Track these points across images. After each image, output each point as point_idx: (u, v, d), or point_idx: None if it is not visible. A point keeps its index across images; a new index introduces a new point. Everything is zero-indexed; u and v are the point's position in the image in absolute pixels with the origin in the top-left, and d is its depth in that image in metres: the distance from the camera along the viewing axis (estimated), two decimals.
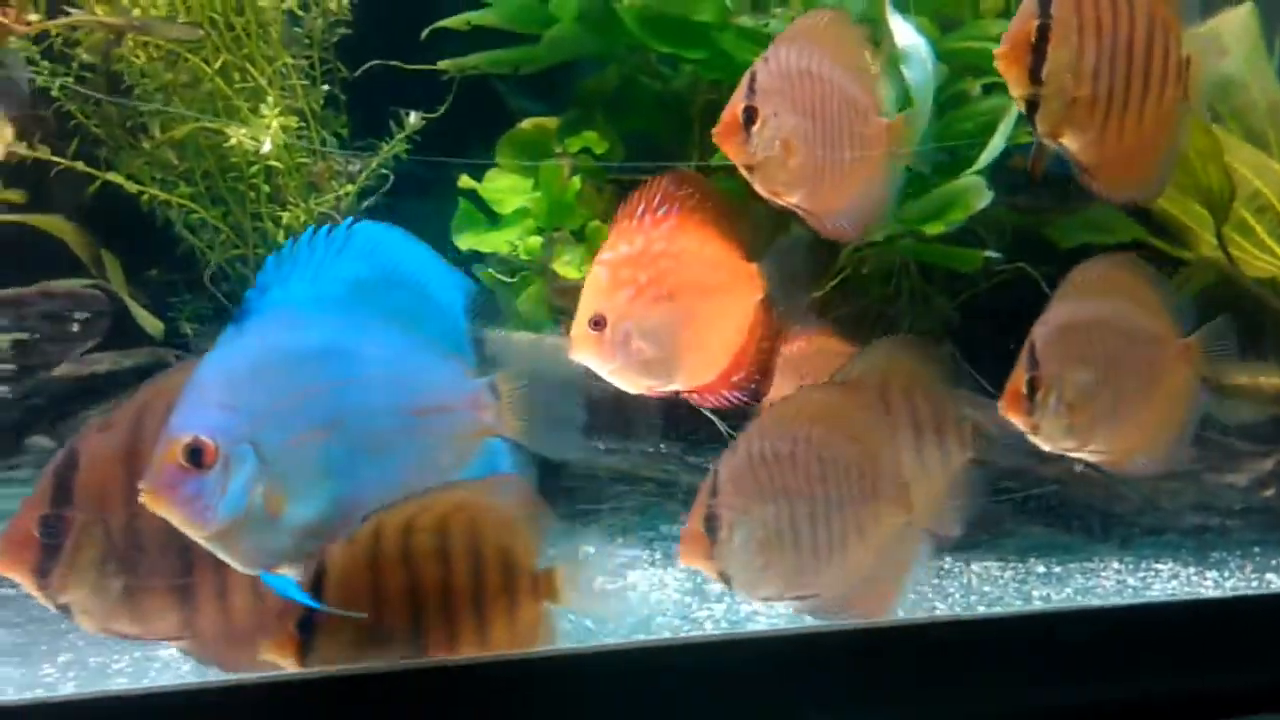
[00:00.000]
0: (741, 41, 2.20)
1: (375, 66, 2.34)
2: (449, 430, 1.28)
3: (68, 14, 2.01)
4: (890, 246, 2.30)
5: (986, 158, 2.16)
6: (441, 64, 2.41)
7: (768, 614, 1.72)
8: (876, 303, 2.39)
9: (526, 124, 2.31)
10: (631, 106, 2.50)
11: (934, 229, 2.21)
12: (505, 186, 2.22)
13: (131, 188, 2.05)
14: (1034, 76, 1.38)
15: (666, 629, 1.72)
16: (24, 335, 1.75)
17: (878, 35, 2.13)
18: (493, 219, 2.23)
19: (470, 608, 1.28)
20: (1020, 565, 2.02)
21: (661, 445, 2.13)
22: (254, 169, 2.12)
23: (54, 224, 2.01)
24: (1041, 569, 2.02)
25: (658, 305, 1.39)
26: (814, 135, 1.41)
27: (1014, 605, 1.78)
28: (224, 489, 1.13)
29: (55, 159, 1.97)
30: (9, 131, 1.83)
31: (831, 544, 1.36)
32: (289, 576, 1.20)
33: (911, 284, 2.42)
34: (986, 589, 1.89)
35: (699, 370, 1.43)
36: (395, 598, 1.23)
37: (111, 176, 2.04)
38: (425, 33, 2.32)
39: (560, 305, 2.16)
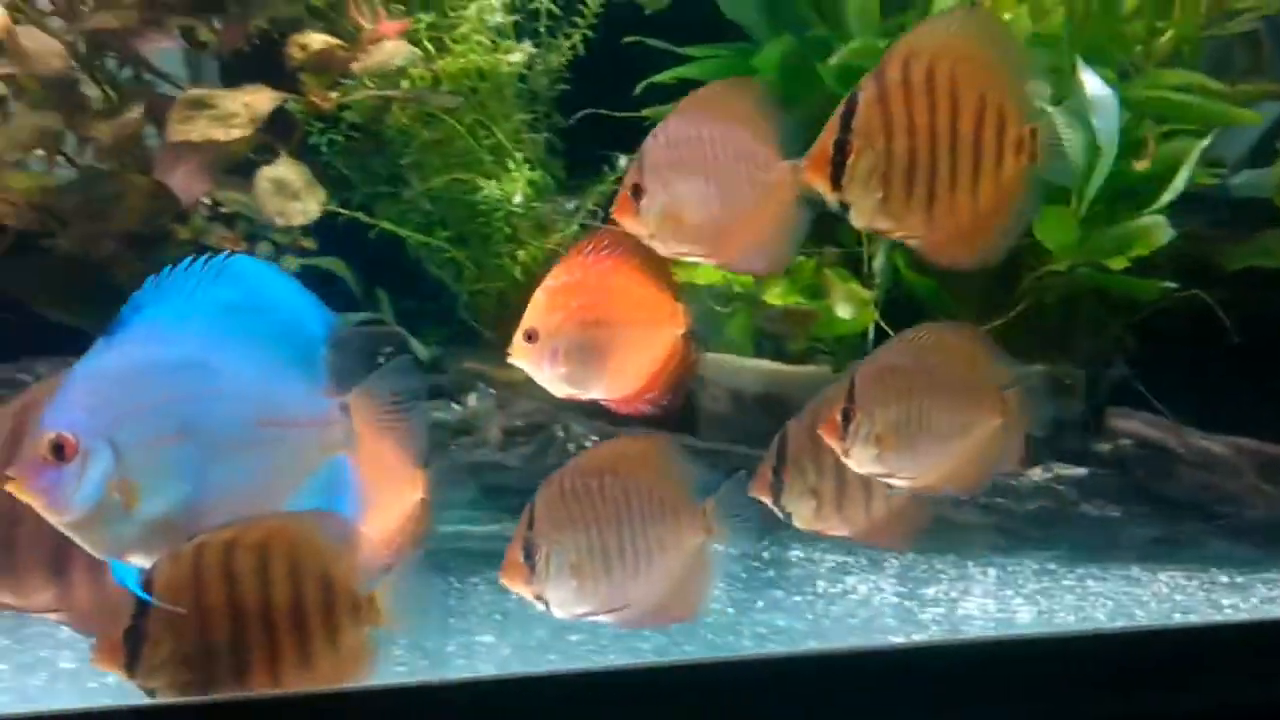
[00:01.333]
0: None
1: (586, 115, 2.64)
2: (296, 444, 1.36)
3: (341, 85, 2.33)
4: (1072, 276, 2.47)
5: (1168, 197, 2.32)
6: (645, 111, 2.68)
7: (981, 616, 1.93)
8: (1056, 328, 2.57)
9: None
10: None
11: (1117, 263, 2.38)
12: None
13: (401, 232, 2.38)
14: (836, 184, 1.47)
15: (888, 631, 1.95)
16: None
17: (1067, 87, 2.32)
18: None
19: (291, 629, 1.33)
20: (1203, 575, 2.18)
21: None
22: (499, 214, 2.43)
23: (337, 265, 2.36)
24: (1224, 579, 2.17)
25: (583, 329, 1.58)
26: (708, 194, 1.53)
27: (1205, 613, 1.94)
28: (81, 480, 1.23)
29: (344, 211, 2.31)
30: (323, 192, 2.15)
31: (638, 563, 1.51)
32: (135, 567, 1.29)
33: (1089, 310, 2.59)
34: (1178, 598, 2.06)
35: (615, 386, 1.61)
36: (218, 615, 1.30)
37: (385, 224, 2.36)
38: (640, 87, 2.61)
39: (769, 330, 2.41)
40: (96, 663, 1.31)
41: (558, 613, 1.51)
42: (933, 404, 1.60)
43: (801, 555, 2.31)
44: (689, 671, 1.40)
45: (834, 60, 2.39)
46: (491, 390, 2.26)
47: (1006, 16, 2.36)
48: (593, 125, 2.67)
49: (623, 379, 1.61)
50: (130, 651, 1.29)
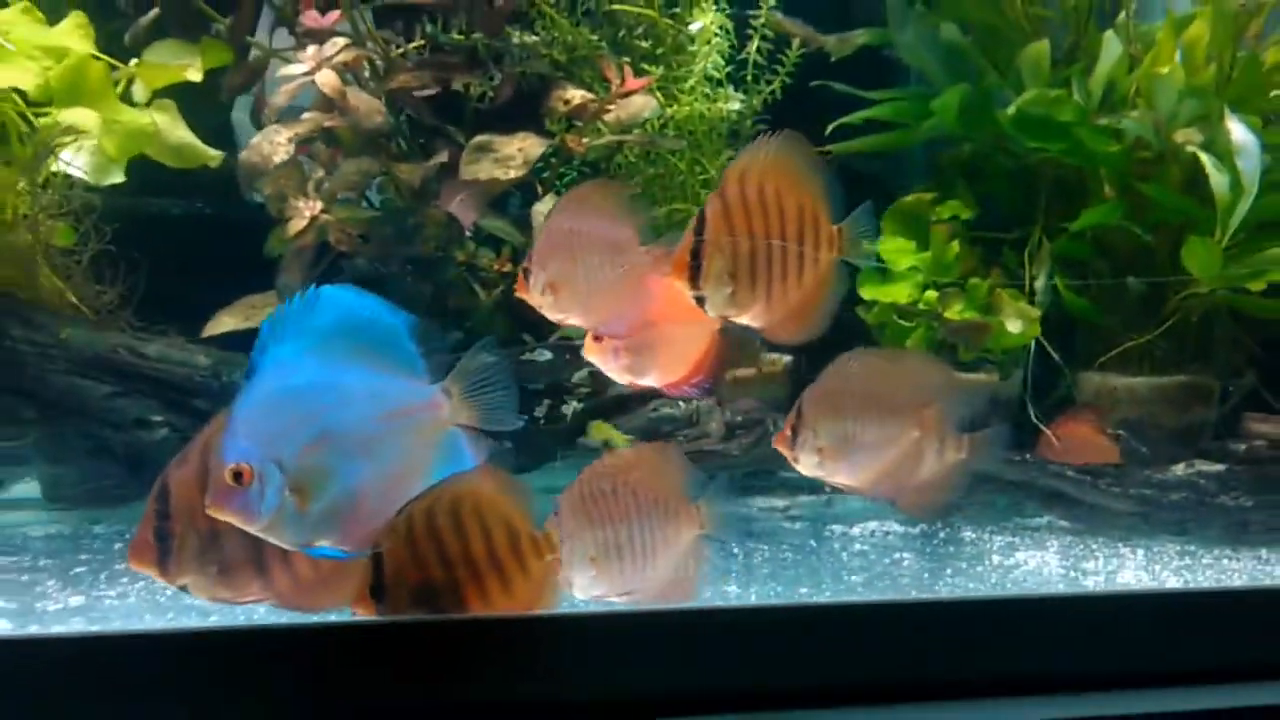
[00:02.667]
0: (1095, 135, 2.76)
1: None
2: (415, 427, 1.62)
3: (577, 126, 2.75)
4: (1211, 297, 2.81)
5: None
6: (830, 147, 3.06)
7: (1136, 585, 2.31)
8: (1196, 343, 2.92)
9: (910, 197, 2.94)
10: (986, 178, 3.09)
11: (1256, 285, 2.71)
12: (895, 248, 2.85)
13: None
14: (695, 282, 1.78)
15: None
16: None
17: (1217, 133, 2.66)
18: (885, 274, 2.86)
19: (489, 565, 1.63)
20: None
21: (1027, 455, 2.74)
22: None
23: None
24: None
25: (640, 329, 1.94)
26: (575, 273, 1.88)
27: None
28: (262, 496, 1.50)
29: None
30: None
31: (645, 555, 1.82)
32: (325, 547, 1.57)
33: (1225, 327, 2.93)
34: None
35: (667, 374, 1.98)
36: (433, 565, 1.61)
37: None
38: (831, 127, 2.99)
39: (947, 340, 2.79)
40: (354, 606, 1.63)
41: (578, 594, 1.79)
42: (863, 421, 1.94)
43: (973, 535, 2.71)
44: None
45: (1011, 109, 2.75)
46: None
47: (1164, 71, 2.71)
48: None
49: (671, 368, 1.97)
50: (376, 596, 1.63)
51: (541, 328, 2.72)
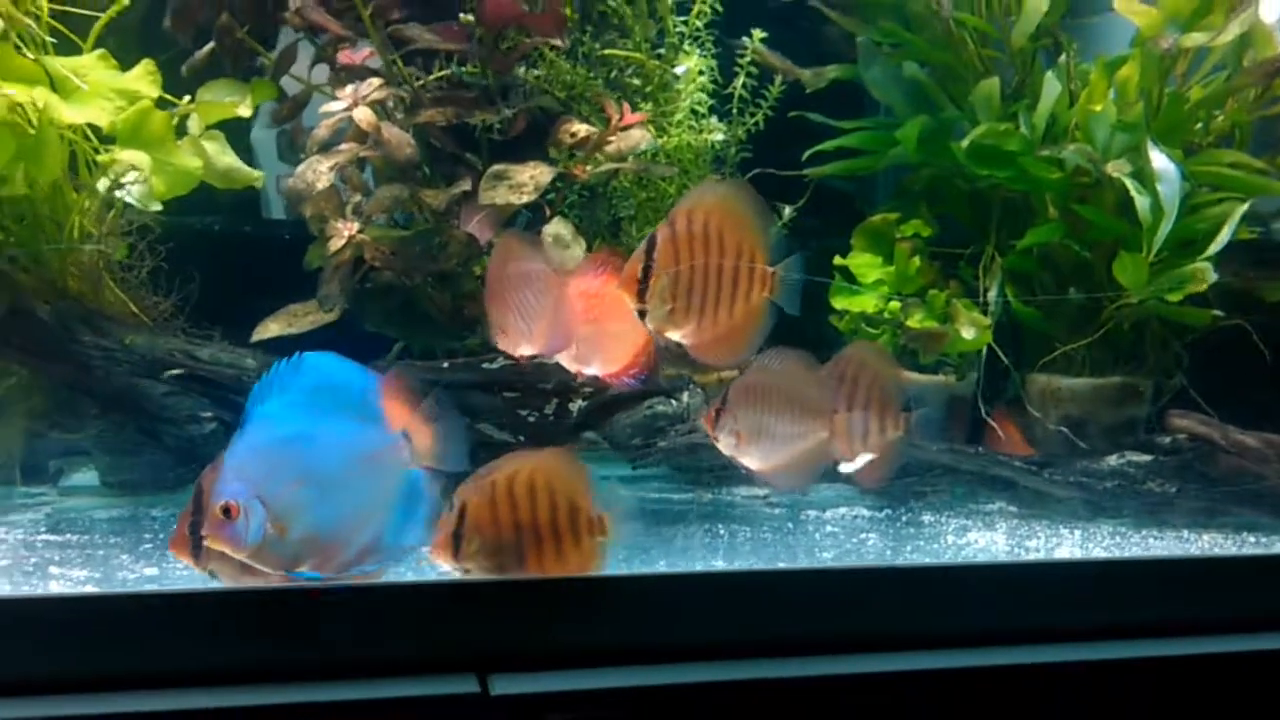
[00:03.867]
0: (1039, 164, 3.11)
1: (758, 174, 3.37)
2: (380, 468, 1.93)
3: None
4: (1142, 306, 3.17)
5: (1214, 248, 3.01)
6: (806, 172, 3.41)
7: None
8: (1129, 347, 3.28)
9: (876, 217, 3.29)
10: (944, 200, 3.44)
11: (1175, 296, 3.07)
12: (864, 263, 3.20)
13: None
14: (640, 298, 2.02)
15: None
16: None
17: (1139, 161, 3.02)
18: (855, 286, 3.21)
19: (550, 535, 1.93)
20: (1237, 536, 2.89)
21: (979, 448, 3.10)
22: None
23: None
24: (1251, 539, 2.87)
25: (586, 326, 2.24)
26: (510, 315, 2.22)
27: None
28: (248, 528, 1.79)
29: None
30: (584, 242, 2.90)
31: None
32: (304, 571, 1.85)
33: (1155, 333, 3.29)
34: (1216, 551, 2.78)
35: (609, 364, 2.29)
36: (505, 525, 1.91)
37: None
38: (807, 154, 3.34)
39: (908, 346, 3.14)
40: (434, 556, 1.94)
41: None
42: (776, 415, 2.20)
43: (932, 519, 3.06)
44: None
45: (965, 141, 3.10)
46: (700, 389, 3.03)
47: (1098, 108, 3.07)
48: (763, 182, 3.41)
49: (614, 359, 2.25)
50: (454, 544, 1.93)
51: None
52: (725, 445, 2.23)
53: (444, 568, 1.97)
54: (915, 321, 3.05)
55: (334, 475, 1.88)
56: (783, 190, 3.35)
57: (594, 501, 1.97)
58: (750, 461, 2.25)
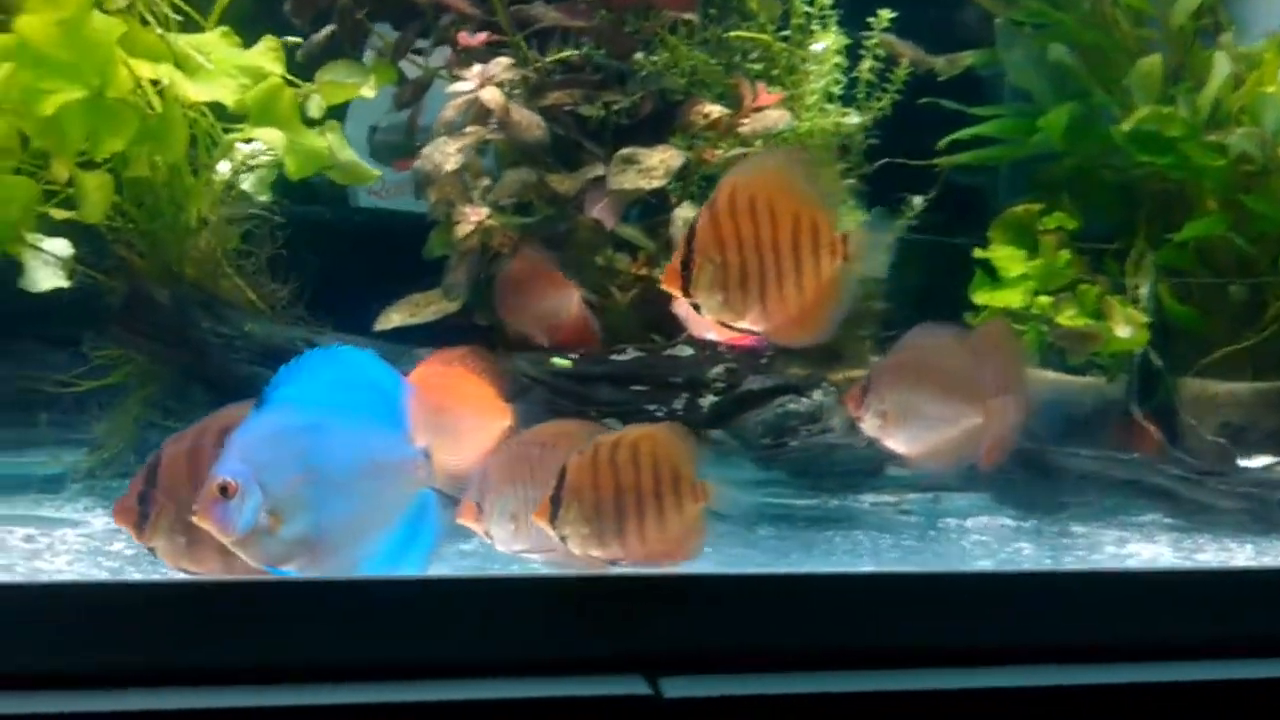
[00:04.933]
0: (1203, 150, 2.91)
1: (886, 163, 3.20)
2: (390, 481, 1.78)
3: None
4: None
5: None
6: (937, 161, 3.24)
7: None
8: None
9: (1018, 208, 3.10)
10: (1089, 191, 3.24)
11: None
12: (1006, 256, 3.02)
13: None
14: (687, 291, 1.86)
15: None
16: (734, 364, 2.73)
17: None
18: (996, 281, 3.03)
19: (653, 501, 1.88)
20: None
21: (1135, 455, 2.89)
22: None
23: None
24: None
25: None
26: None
27: None
28: (241, 511, 1.65)
29: None
30: None
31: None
32: (288, 570, 1.71)
33: None
34: None
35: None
36: (608, 490, 1.87)
37: None
38: (944, 142, 3.17)
39: (1056, 344, 2.95)
40: (536, 518, 1.90)
41: (501, 548, 1.99)
42: (927, 396, 2.08)
43: (1084, 530, 2.86)
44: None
45: (1126, 125, 2.91)
46: (833, 387, 2.86)
47: (1270, 89, 2.85)
48: (890, 172, 3.24)
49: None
50: (554, 506, 1.89)
51: (669, 327, 2.93)
52: (870, 427, 2.10)
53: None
54: (1067, 319, 2.85)
55: (341, 477, 1.75)
56: (907, 182, 3.19)
57: (696, 471, 1.91)
58: (896, 445, 2.11)
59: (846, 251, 1.89)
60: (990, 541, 2.69)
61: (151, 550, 1.80)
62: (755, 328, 1.95)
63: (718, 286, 1.87)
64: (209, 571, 1.80)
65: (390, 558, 1.81)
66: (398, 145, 3.08)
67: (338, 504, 1.75)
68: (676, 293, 1.90)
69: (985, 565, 2.48)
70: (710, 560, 2.50)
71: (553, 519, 1.88)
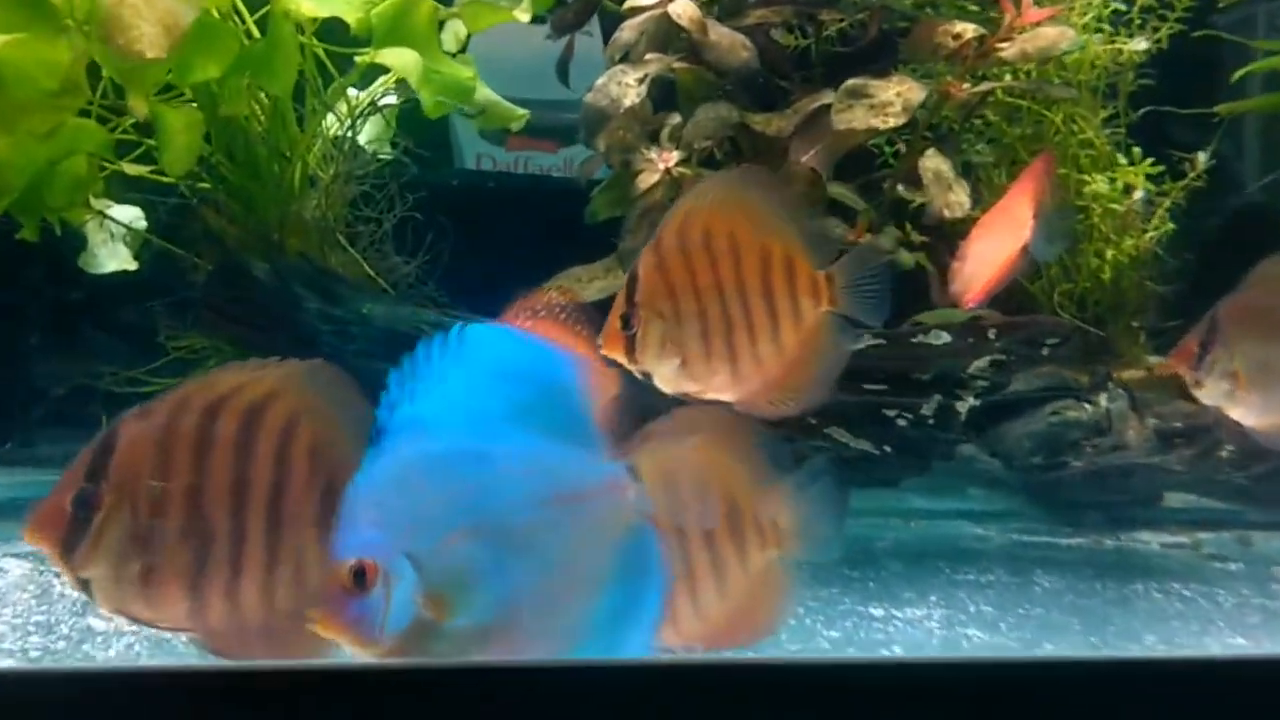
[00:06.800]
0: None
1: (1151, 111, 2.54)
2: (592, 517, 1.25)
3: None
4: None
5: None
6: (1218, 108, 2.57)
7: None
8: None
9: None
10: None
11: None
12: None
13: None
14: (632, 355, 1.45)
15: None
16: (1003, 356, 2.07)
17: None
18: None
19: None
20: None
21: None
22: (1098, 212, 2.36)
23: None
24: None
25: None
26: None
27: None
28: (389, 604, 1.13)
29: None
30: (967, 185, 2.13)
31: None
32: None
33: None
34: None
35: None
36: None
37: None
38: (1236, 76, 2.50)
39: None
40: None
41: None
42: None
43: None
44: None
45: None
46: (1123, 389, 2.18)
47: None
48: (1156, 121, 2.58)
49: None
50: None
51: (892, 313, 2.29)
52: (1212, 392, 1.61)
53: None
54: None
55: (522, 523, 1.19)
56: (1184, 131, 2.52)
57: (764, 500, 1.37)
58: (1250, 414, 1.62)
59: (831, 294, 1.52)
60: None
61: (82, 586, 1.19)
62: (729, 397, 1.54)
63: (672, 347, 1.48)
64: (169, 622, 1.22)
65: (607, 628, 1.24)
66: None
67: (517, 564, 1.19)
68: (620, 359, 1.47)
69: None
70: (1001, 626, 1.86)
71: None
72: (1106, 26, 2.40)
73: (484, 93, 2.29)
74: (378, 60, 2.02)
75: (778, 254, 1.50)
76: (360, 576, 1.11)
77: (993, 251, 1.82)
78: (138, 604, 1.21)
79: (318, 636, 1.13)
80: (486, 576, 1.17)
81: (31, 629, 1.76)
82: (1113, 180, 2.39)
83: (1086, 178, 2.36)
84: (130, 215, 2.28)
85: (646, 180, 2.02)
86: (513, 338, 1.26)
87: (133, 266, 2.28)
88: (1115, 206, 2.38)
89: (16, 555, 2.09)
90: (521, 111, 2.34)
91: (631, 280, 1.47)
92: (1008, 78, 2.35)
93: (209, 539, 1.19)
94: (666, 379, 1.49)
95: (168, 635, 1.35)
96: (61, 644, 1.69)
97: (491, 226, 2.52)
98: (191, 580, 1.20)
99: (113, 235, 2.26)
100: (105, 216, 2.24)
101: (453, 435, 1.18)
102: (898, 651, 1.77)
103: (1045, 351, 2.03)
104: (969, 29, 2.15)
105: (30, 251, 2.12)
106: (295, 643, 1.22)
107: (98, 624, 1.81)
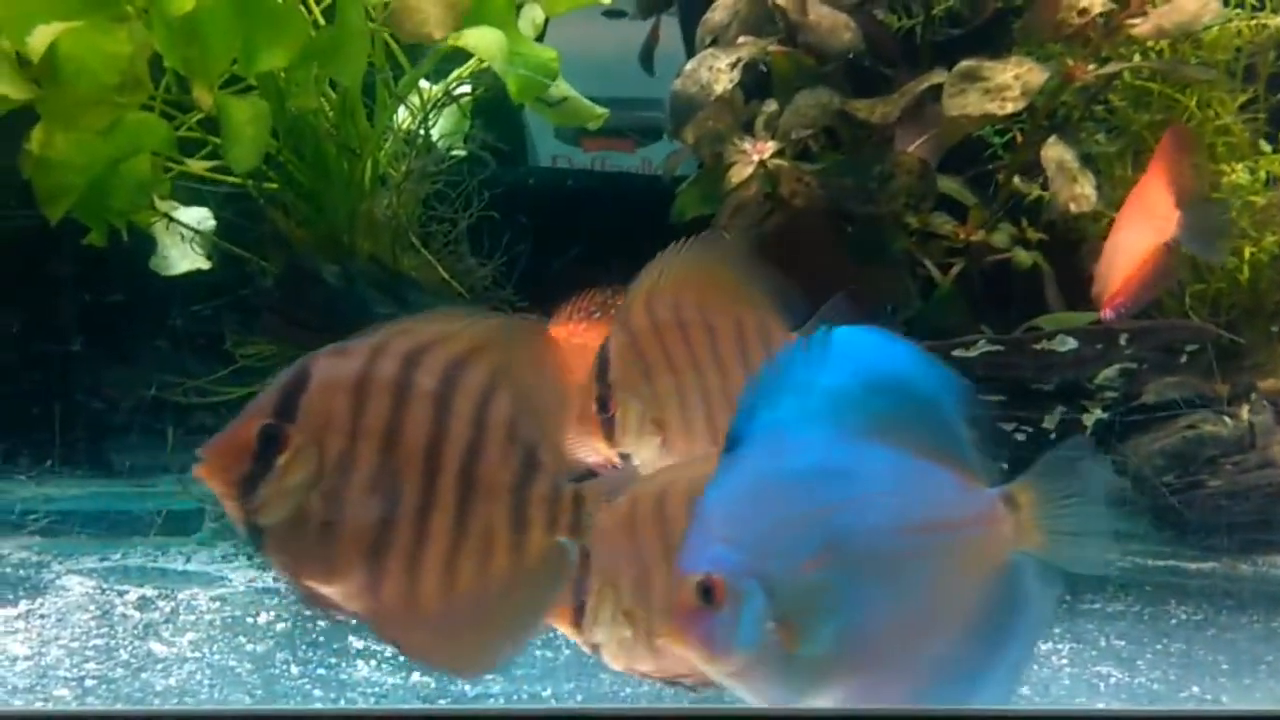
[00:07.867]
0: None
1: None
2: (959, 550, 1.14)
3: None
4: None
5: None
6: None
7: None
8: None
9: None
10: None
11: None
12: None
13: None
14: (611, 439, 1.40)
15: None
16: (1134, 364, 1.88)
17: None
18: None
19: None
20: None
21: None
22: (1236, 206, 2.15)
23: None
24: None
25: None
26: None
27: None
28: (737, 625, 1.09)
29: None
30: (1093, 176, 1.94)
31: None
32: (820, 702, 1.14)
33: None
34: None
35: None
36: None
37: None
38: None
39: None
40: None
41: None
42: None
43: None
44: None
45: None
46: (1267, 401, 1.97)
47: None
48: None
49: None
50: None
51: (1005, 317, 2.11)
52: None
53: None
54: None
55: (886, 549, 1.11)
56: None
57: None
58: None
59: None
60: None
61: (253, 534, 1.04)
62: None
63: (651, 426, 1.42)
64: (341, 592, 1.09)
65: (965, 675, 1.14)
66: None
67: (874, 596, 1.12)
68: (599, 445, 1.43)
69: None
70: (1139, 664, 1.67)
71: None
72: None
73: (562, 88, 2.16)
74: (458, 43, 1.89)
75: (750, 319, 1.45)
76: (708, 593, 1.08)
77: (1135, 248, 1.63)
78: (311, 564, 1.09)
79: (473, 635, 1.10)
80: (840, 605, 1.11)
81: (90, 653, 1.68)
82: (1252, 171, 2.18)
83: (1224, 168, 2.17)
84: (198, 217, 2.19)
85: (739, 174, 1.87)
86: (884, 344, 1.17)
87: (206, 265, 2.20)
88: (1255, 199, 2.17)
89: (79, 572, 2.03)
90: (601, 110, 2.20)
91: (602, 361, 1.42)
92: (1136, 57, 2.17)
93: (395, 501, 1.08)
94: (649, 461, 1.44)
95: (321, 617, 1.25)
96: (119, 671, 1.60)
97: (572, 226, 2.40)
98: (371, 546, 1.09)
99: (182, 236, 2.17)
100: (171, 219, 2.15)
101: (814, 449, 1.12)
102: (1025, 693, 1.61)
103: (1183, 359, 1.83)
104: (1097, 3, 1.96)
105: (91, 254, 2.04)
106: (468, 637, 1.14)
107: (159, 649, 1.72)
